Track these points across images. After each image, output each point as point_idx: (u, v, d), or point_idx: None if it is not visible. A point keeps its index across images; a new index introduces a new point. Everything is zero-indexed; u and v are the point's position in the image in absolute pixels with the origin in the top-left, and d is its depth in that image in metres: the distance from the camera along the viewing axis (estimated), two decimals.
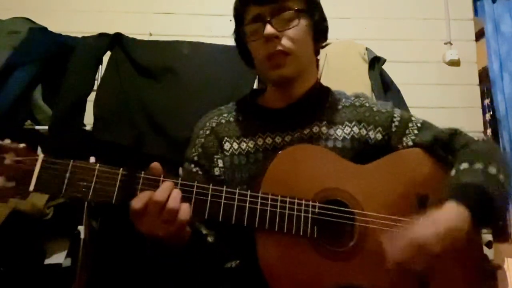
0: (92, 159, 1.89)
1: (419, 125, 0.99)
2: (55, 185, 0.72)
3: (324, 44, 1.03)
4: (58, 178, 0.72)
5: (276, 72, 0.93)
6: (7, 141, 0.72)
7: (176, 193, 0.74)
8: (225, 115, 1.02)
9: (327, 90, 1.05)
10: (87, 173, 0.73)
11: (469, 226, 0.76)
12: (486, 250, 2.06)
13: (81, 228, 1.78)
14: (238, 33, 1.00)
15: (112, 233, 1.77)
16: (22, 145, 0.73)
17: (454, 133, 0.96)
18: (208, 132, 1.00)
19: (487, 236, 2.14)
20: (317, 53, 1.02)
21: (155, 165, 0.77)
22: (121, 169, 0.74)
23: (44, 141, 1.78)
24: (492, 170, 0.84)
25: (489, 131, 2.74)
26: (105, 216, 1.84)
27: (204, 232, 0.91)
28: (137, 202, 0.72)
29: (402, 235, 0.75)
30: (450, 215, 0.77)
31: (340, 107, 1.01)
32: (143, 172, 0.75)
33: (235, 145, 0.96)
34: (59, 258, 1.71)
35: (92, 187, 0.73)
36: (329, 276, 0.80)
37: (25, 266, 1.64)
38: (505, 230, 2.48)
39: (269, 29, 0.90)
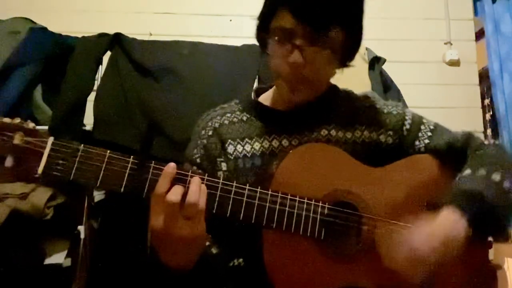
0: None
1: (431, 127, 0.96)
2: (64, 169, 0.70)
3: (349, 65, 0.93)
4: (67, 162, 0.70)
5: (288, 94, 0.89)
6: (17, 120, 0.71)
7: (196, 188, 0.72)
8: (228, 115, 0.98)
9: (335, 90, 1.01)
10: (97, 159, 0.72)
11: (466, 233, 0.76)
12: None
13: (81, 228, 1.78)
14: (263, 25, 0.89)
15: (112, 233, 1.78)
16: (31, 125, 0.71)
17: (467, 139, 0.92)
18: (210, 132, 0.96)
19: None
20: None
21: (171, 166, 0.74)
22: (132, 157, 0.73)
23: None
24: (496, 177, 0.81)
25: (489, 131, 2.74)
26: (105, 216, 1.84)
27: (207, 243, 0.88)
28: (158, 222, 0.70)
29: (398, 247, 0.75)
30: (445, 223, 0.76)
31: (349, 109, 0.97)
32: (153, 162, 0.74)
33: (239, 148, 0.92)
34: (59, 258, 1.71)
35: (101, 173, 0.71)
36: (333, 278, 0.79)
37: (25, 266, 1.64)
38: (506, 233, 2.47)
39: (296, 57, 0.81)
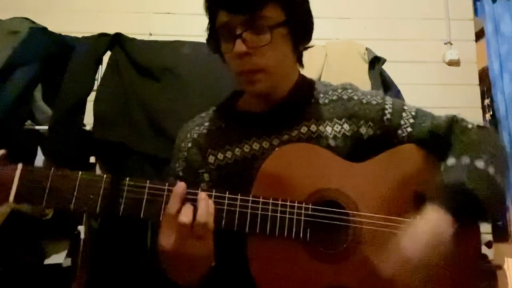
0: (92, 159, 1.89)
1: (413, 114, 0.93)
2: (35, 195, 0.69)
3: (308, 46, 0.92)
4: (38, 189, 0.69)
5: (248, 88, 0.88)
6: None
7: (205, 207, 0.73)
8: (207, 124, 0.96)
9: (310, 84, 0.98)
10: (68, 182, 0.70)
11: (452, 227, 0.76)
12: (486, 250, 2.06)
13: (81, 228, 1.78)
14: (211, 33, 0.91)
15: (112, 233, 1.77)
16: (0, 152, 0.70)
17: (451, 124, 0.91)
18: (190, 144, 0.94)
19: (487, 236, 2.14)
20: (299, 52, 0.92)
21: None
22: (105, 176, 0.72)
23: (44, 141, 1.78)
24: (480, 164, 0.81)
25: None
26: (105, 216, 1.84)
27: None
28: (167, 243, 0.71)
29: (389, 255, 0.77)
30: (431, 222, 0.77)
31: (326, 101, 0.94)
32: (127, 179, 0.72)
33: (220, 156, 0.91)
34: (59, 258, 1.71)
35: (74, 196, 0.70)
36: (321, 279, 0.79)
37: (25, 266, 1.64)
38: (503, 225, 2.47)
39: (238, 47, 0.81)
